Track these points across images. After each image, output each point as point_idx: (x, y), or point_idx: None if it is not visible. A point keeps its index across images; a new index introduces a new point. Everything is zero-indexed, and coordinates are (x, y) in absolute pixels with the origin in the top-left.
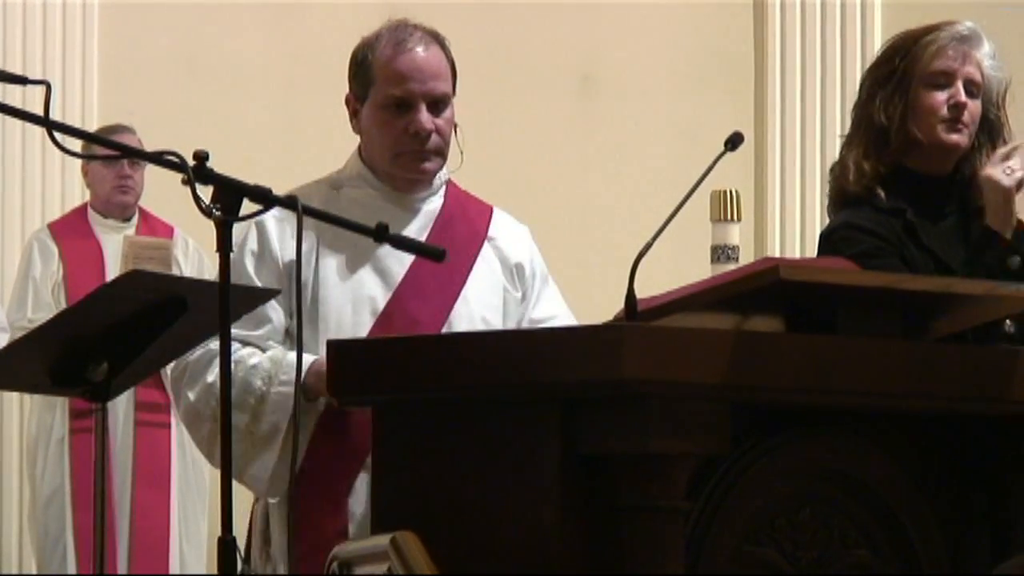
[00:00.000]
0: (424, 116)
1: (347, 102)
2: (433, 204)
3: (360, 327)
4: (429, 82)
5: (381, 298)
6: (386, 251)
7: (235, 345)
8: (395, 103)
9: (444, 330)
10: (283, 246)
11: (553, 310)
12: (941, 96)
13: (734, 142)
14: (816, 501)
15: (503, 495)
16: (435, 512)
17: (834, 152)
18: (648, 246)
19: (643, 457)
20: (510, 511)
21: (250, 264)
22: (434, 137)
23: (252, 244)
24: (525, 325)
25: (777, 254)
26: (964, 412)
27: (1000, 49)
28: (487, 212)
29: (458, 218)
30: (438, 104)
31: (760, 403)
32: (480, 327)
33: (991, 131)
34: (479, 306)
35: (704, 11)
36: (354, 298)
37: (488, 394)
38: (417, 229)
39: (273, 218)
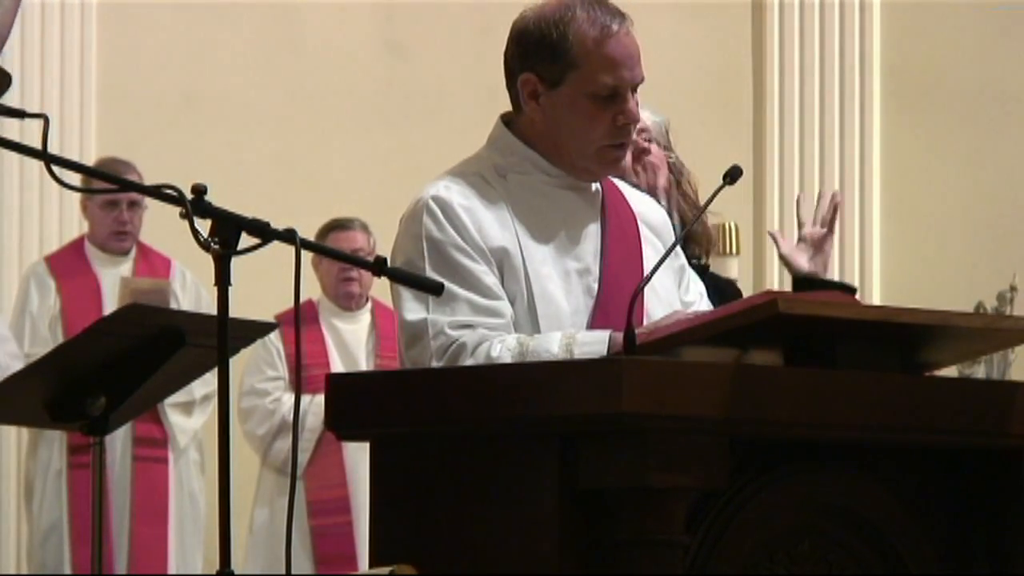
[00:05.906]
0: (633, 106)
1: (524, 83)
2: (595, 187)
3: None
4: (636, 68)
5: (588, 296)
6: (579, 240)
7: (476, 335)
8: (608, 93)
9: (645, 322)
10: (483, 234)
11: (696, 290)
12: None
13: (733, 175)
14: (815, 535)
15: (501, 529)
16: (433, 545)
17: (833, 185)
18: (647, 279)
19: (642, 491)
20: (508, 545)
21: (463, 258)
22: (631, 127)
23: (452, 238)
24: (677, 307)
25: (776, 287)
26: (963, 446)
27: (1002, 49)
28: (617, 187)
29: (613, 199)
30: (635, 89)
31: (759, 437)
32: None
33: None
34: (663, 290)
35: (701, 47)
36: (566, 300)
37: (486, 428)
38: (593, 216)
39: (459, 206)
